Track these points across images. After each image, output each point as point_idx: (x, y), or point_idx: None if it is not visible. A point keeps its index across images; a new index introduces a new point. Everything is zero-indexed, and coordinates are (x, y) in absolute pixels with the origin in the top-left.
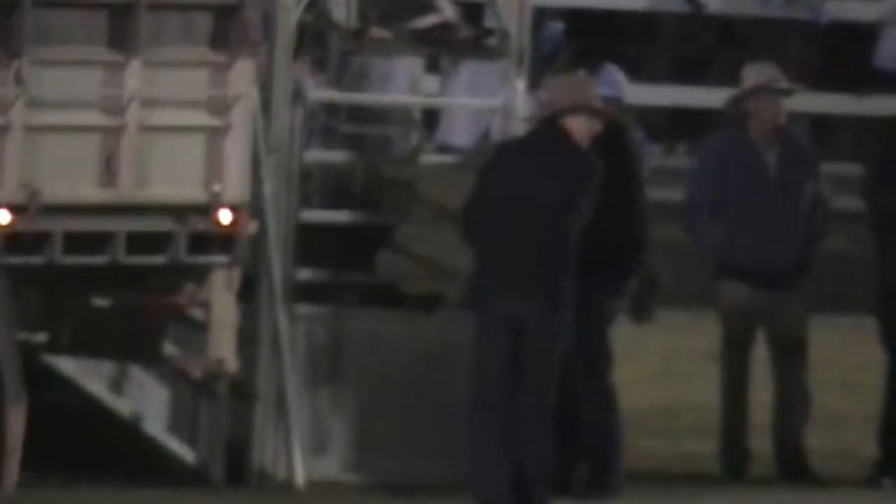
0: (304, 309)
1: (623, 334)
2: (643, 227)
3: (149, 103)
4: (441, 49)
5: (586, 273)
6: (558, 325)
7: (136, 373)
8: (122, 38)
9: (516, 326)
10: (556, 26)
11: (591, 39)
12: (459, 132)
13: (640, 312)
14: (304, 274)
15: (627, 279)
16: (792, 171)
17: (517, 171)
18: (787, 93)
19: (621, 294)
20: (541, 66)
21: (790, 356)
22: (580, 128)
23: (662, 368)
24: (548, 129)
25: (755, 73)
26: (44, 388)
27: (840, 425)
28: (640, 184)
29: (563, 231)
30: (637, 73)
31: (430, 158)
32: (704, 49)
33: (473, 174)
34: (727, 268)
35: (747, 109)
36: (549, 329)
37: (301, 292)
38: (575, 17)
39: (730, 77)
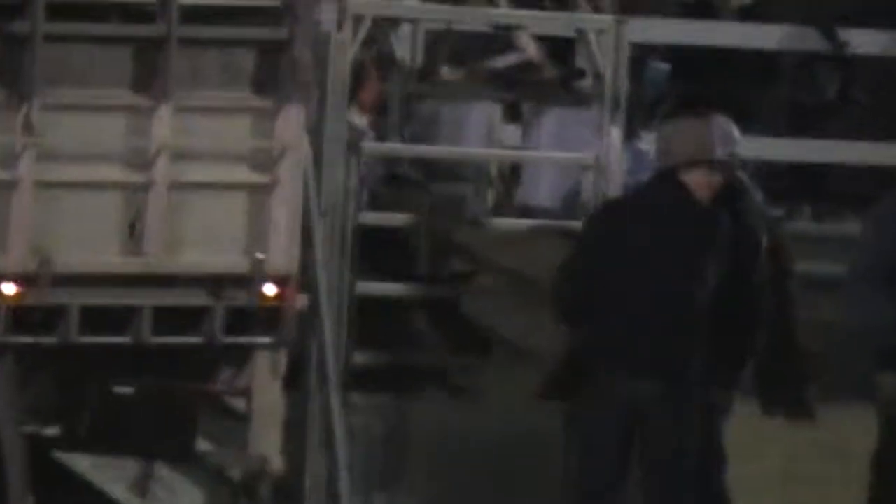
0: (361, 398)
1: (743, 428)
2: (760, 305)
3: (181, 156)
4: (523, 93)
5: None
6: (688, 412)
7: (165, 473)
8: (149, 79)
9: (634, 414)
10: (662, 66)
11: (702, 82)
12: (544, 190)
13: (796, 409)
14: (362, 357)
15: (742, 365)
16: None
17: (630, 233)
18: None
19: (735, 383)
20: (642, 114)
21: None
22: (700, 181)
23: (786, 468)
24: (664, 183)
25: None
26: (56, 490)
27: None
28: (758, 255)
29: (690, 300)
30: (753, 121)
31: (509, 221)
32: (826, 95)
33: (560, 239)
34: (893, 355)
35: None
36: (676, 415)
37: (358, 378)
38: (683, 56)
39: (859, 128)
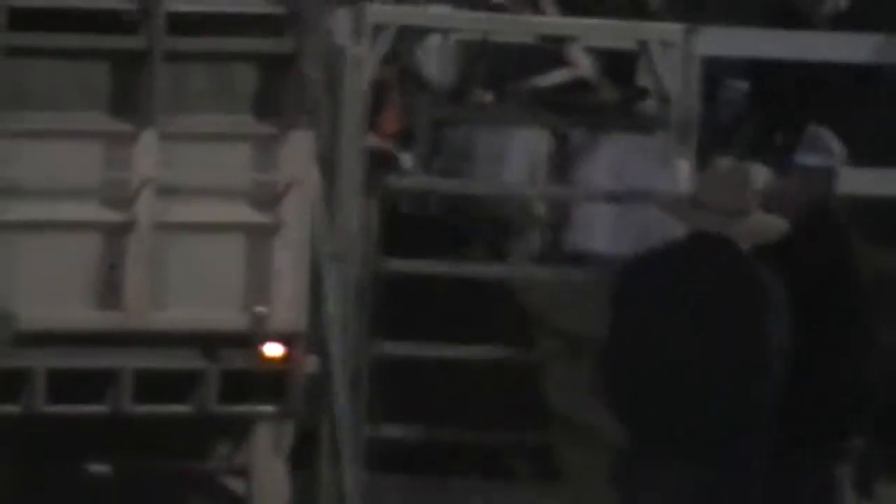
0: (383, 478)
1: None
2: (872, 357)
3: (167, 191)
4: (574, 118)
5: (796, 429)
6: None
7: None
8: (130, 100)
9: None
10: (740, 85)
11: (788, 104)
12: (600, 233)
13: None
14: (385, 430)
15: (854, 434)
16: None
17: (669, 298)
18: None
19: (846, 457)
20: (716, 142)
21: None
22: (743, 233)
23: None
24: (702, 238)
25: None
26: None
27: None
28: (862, 296)
29: (746, 377)
30: (849, 150)
31: (558, 270)
32: None
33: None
34: None
35: None
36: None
37: (379, 454)
38: (765, 73)
39: None
